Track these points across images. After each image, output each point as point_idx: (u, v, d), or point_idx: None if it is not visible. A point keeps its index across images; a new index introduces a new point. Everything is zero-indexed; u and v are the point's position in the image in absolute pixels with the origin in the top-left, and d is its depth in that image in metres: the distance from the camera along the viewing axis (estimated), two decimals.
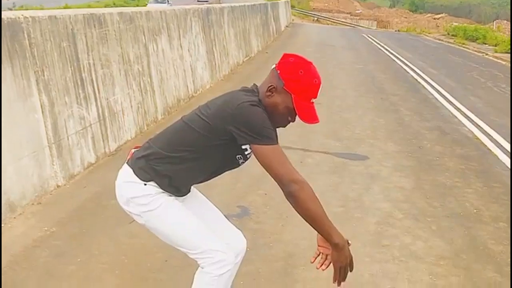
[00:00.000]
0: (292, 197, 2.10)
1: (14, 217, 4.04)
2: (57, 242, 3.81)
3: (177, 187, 2.38)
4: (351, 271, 2.22)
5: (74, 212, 4.34)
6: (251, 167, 2.58)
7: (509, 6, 70.08)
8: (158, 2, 33.12)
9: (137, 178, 2.32)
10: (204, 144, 2.25)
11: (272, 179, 2.15)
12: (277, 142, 2.16)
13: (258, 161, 2.14)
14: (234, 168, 2.42)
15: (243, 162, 2.38)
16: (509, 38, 26.40)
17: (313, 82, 2.26)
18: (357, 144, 6.98)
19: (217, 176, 2.46)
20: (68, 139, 4.90)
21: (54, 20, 4.81)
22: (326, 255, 2.29)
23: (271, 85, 2.24)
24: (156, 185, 2.31)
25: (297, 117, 2.27)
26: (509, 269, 3.89)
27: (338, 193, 5.17)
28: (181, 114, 6.94)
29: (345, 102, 9.90)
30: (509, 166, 6.42)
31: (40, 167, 4.48)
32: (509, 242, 4.35)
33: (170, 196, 2.37)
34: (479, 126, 8.50)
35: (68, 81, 4.99)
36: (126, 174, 2.37)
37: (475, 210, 4.97)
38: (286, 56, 2.31)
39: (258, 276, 3.55)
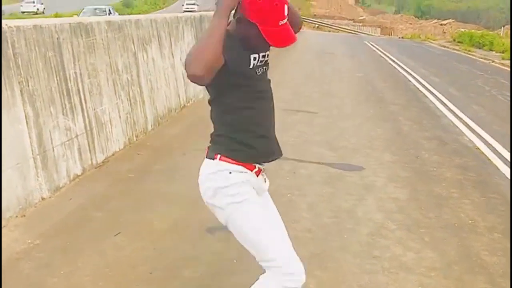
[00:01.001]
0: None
1: None
2: (40, 254, 3.93)
3: (253, 136, 2.49)
4: None
5: (59, 225, 4.45)
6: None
7: None
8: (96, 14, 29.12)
9: (219, 163, 2.46)
10: (228, 91, 2.41)
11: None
12: None
13: None
14: (267, 93, 2.56)
15: (264, 60, 2.48)
16: None
17: (274, 6, 2.28)
18: (352, 154, 7.10)
19: (268, 111, 2.56)
20: (53, 150, 5.03)
21: (39, 29, 4.96)
22: None
23: (238, 17, 2.35)
24: (240, 169, 2.46)
25: None
26: (502, 280, 4.00)
27: (331, 204, 5.28)
28: (173, 125, 7.22)
29: (343, 111, 10.04)
30: (509, 177, 6.54)
31: (25, 179, 4.60)
32: (503, 253, 4.46)
33: (254, 190, 2.51)
34: (480, 135, 8.61)
35: (54, 91, 5.13)
36: (209, 166, 2.51)
37: (470, 221, 5.08)
38: None
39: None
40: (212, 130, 2.58)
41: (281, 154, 2.63)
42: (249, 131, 2.48)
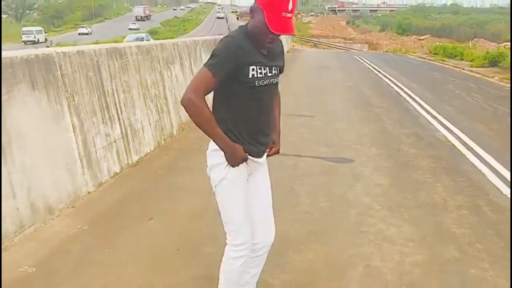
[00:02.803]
0: (181, 104, 2.38)
1: (52, 218, 4.27)
2: (88, 237, 4.04)
3: (244, 131, 2.53)
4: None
5: (102, 214, 4.56)
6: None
7: (486, 26, 70.10)
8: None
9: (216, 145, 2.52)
10: (225, 93, 2.47)
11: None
12: (213, 70, 2.36)
13: None
14: (266, 101, 2.56)
15: (267, 83, 2.50)
16: (485, 54, 26.47)
17: None
18: (344, 150, 7.17)
19: (265, 113, 2.59)
20: (96, 153, 5.16)
21: (81, 54, 5.09)
22: None
23: (251, 6, 2.39)
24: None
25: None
26: (468, 247, 4.07)
27: (326, 191, 5.36)
28: (194, 131, 7.33)
29: (336, 115, 10.09)
30: (476, 164, 6.59)
31: (73, 177, 4.73)
32: (469, 226, 4.52)
33: (241, 172, 2.57)
34: (452, 131, 8.64)
35: (95, 104, 5.26)
36: (212, 144, 2.57)
37: (442, 201, 5.15)
38: None
39: None
40: None
41: (262, 156, 2.68)
42: (239, 127, 2.53)
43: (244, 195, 2.62)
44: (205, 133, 2.46)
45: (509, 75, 18.62)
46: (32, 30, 55.68)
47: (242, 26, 2.51)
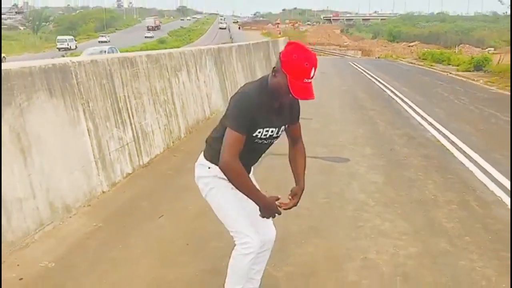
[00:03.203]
0: (220, 168, 2.37)
1: (70, 217, 4.27)
2: (103, 234, 4.03)
3: None
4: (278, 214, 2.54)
5: (116, 211, 4.56)
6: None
7: (471, 33, 70.07)
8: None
9: (205, 161, 2.59)
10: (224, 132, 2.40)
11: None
12: (237, 129, 2.32)
13: None
14: (262, 149, 2.57)
15: (268, 141, 2.51)
16: (470, 59, 26.44)
17: (303, 65, 2.24)
18: (340, 150, 7.16)
19: (255, 157, 2.64)
20: (110, 155, 5.15)
21: (95, 63, 5.09)
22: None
23: (274, 67, 2.34)
24: (216, 166, 2.47)
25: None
26: (458, 240, 4.06)
27: (324, 189, 5.34)
28: (200, 133, 7.32)
29: (332, 117, 10.08)
30: (464, 162, 6.57)
31: (89, 177, 4.72)
32: (458, 220, 4.51)
33: (227, 181, 2.49)
34: (441, 131, 8.63)
35: (108, 110, 5.26)
36: (200, 159, 2.66)
37: (433, 197, 5.13)
38: (289, 43, 2.33)
39: None
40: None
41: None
42: None
43: (236, 197, 2.55)
44: (241, 191, 2.43)
45: (493, 78, 18.60)
46: (65, 38, 58.94)
47: (261, 78, 2.47)
